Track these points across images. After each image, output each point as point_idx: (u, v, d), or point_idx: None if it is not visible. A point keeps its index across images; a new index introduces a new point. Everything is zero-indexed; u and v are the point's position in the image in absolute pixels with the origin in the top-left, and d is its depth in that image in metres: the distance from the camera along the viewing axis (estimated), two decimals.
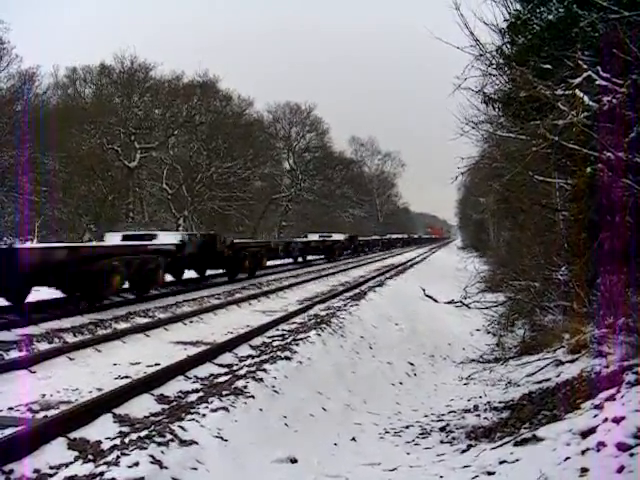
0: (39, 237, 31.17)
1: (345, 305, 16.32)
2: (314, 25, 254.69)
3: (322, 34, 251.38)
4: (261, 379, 8.12)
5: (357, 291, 20.73)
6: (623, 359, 7.41)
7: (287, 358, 9.51)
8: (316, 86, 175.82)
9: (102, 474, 4.85)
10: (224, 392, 7.40)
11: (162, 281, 18.57)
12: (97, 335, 11.43)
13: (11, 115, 36.62)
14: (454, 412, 8.75)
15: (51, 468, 5.27)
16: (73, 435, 5.96)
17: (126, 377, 8.50)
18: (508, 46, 11.43)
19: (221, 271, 24.36)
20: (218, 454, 5.81)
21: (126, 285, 16.73)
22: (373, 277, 27.25)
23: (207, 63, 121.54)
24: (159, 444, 5.49)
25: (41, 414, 6.82)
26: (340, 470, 6.19)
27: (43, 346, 10.45)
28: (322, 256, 42.44)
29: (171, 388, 7.94)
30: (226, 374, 8.68)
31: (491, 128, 14.79)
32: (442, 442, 7.25)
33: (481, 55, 11.21)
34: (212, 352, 9.92)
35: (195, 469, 5.40)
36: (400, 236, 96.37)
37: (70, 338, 11.20)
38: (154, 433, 5.77)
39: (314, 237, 43.12)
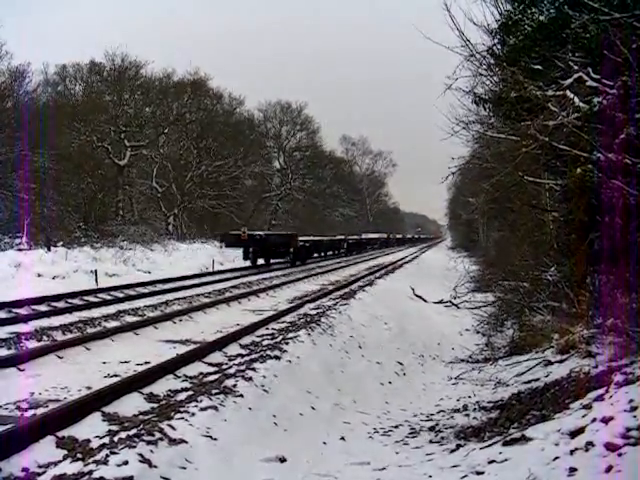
0: (28, 235, 30.93)
1: (335, 304, 16.33)
2: (306, 26, 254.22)
3: (315, 35, 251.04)
4: (250, 378, 8.12)
5: (347, 290, 20.76)
6: (612, 359, 7.45)
7: (276, 357, 9.51)
8: (308, 86, 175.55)
9: (91, 473, 4.84)
10: (213, 391, 7.40)
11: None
12: (86, 333, 11.38)
13: (1, 112, 36.43)
14: (443, 412, 8.76)
15: (40, 467, 5.24)
16: (62, 433, 5.93)
17: (115, 375, 8.48)
18: (499, 46, 11.45)
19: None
20: (207, 453, 5.81)
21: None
22: (363, 276, 27.28)
23: (197, 62, 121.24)
24: (148, 443, 5.49)
25: (30, 412, 6.79)
26: (329, 469, 6.19)
27: (32, 344, 10.42)
28: (375, 246, 71.12)
29: (160, 387, 7.92)
30: (215, 373, 8.67)
31: (481, 128, 14.80)
32: (431, 442, 7.25)
33: (472, 55, 11.22)
34: (202, 351, 9.90)
35: (184, 468, 5.39)
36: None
37: (59, 336, 11.16)
38: (143, 432, 5.77)
39: (369, 235, 69.40)
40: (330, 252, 48.72)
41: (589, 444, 4.59)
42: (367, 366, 11.51)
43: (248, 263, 33.10)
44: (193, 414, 6.50)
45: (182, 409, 6.66)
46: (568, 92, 8.31)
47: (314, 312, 14.69)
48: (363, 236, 64.30)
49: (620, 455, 4.26)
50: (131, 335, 11.49)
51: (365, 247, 62.61)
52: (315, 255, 42.41)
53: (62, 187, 37.90)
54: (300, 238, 35.69)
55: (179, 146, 54.46)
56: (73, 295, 16.45)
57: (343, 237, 52.20)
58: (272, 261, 35.31)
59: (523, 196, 14.98)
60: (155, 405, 7.17)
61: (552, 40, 9.59)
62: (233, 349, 10.50)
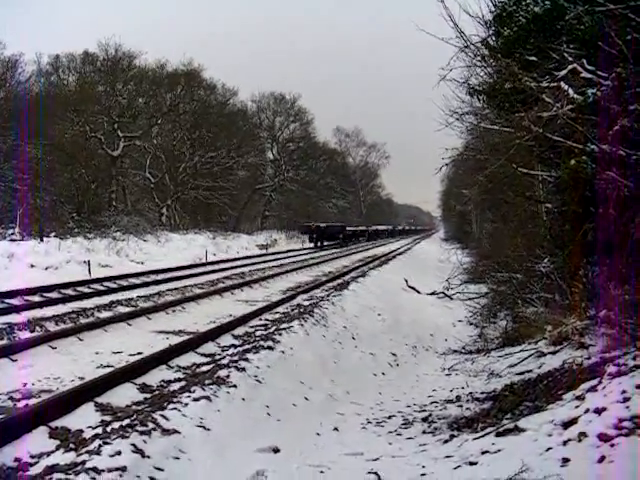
0: (23, 226, 30.76)
1: (329, 295, 16.34)
2: (305, 26, 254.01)
3: (312, 33, 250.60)
4: (244, 369, 8.12)
5: (340, 281, 20.77)
6: (605, 351, 7.46)
7: (270, 348, 9.51)
8: (303, 82, 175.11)
9: (84, 463, 4.83)
10: (207, 381, 7.39)
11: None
12: (79, 324, 11.36)
13: None
14: (436, 402, 8.77)
15: (32, 457, 5.23)
16: (54, 424, 5.92)
17: (108, 366, 8.47)
18: (493, 38, 11.38)
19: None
20: (200, 443, 5.81)
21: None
22: (356, 267, 27.32)
23: (191, 52, 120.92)
24: (141, 433, 5.48)
25: (22, 402, 6.78)
26: (323, 460, 6.19)
27: (25, 335, 10.39)
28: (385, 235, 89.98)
29: (153, 377, 7.91)
30: (209, 363, 8.66)
31: (475, 120, 14.77)
32: (424, 432, 7.26)
33: (466, 47, 11.15)
34: (195, 341, 9.89)
35: (177, 458, 5.39)
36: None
37: (52, 327, 11.14)
38: (136, 422, 5.76)
39: (379, 227, 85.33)
40: (360, 238, 67.81)
41: (582, 435, 4.60)
42: (361, 357, 11.53)
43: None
44: (186, 404, 6.50)
45: (175, 399, 6.66)
46: (562, 83, 8.28)
47: (307, 303, 14.75)
48: (375, 227, 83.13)
49: (613, 446, 4.27)
50: (124, 326, 11.48)
51: (378, 235, 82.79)
52: (352, 240, 61.48)
53: (55, 178, 37.70)
54: (347, 228, 58.03)
55: (172, 137, 54.15)
56: (66, 286, 16.43)
57: (366, 228, 73.73)
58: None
59: (517, 188, 14.96)
60: (148, 395, 7.17)
61: (546, 31, 9.55)
62: (226, 340, 10.51)
